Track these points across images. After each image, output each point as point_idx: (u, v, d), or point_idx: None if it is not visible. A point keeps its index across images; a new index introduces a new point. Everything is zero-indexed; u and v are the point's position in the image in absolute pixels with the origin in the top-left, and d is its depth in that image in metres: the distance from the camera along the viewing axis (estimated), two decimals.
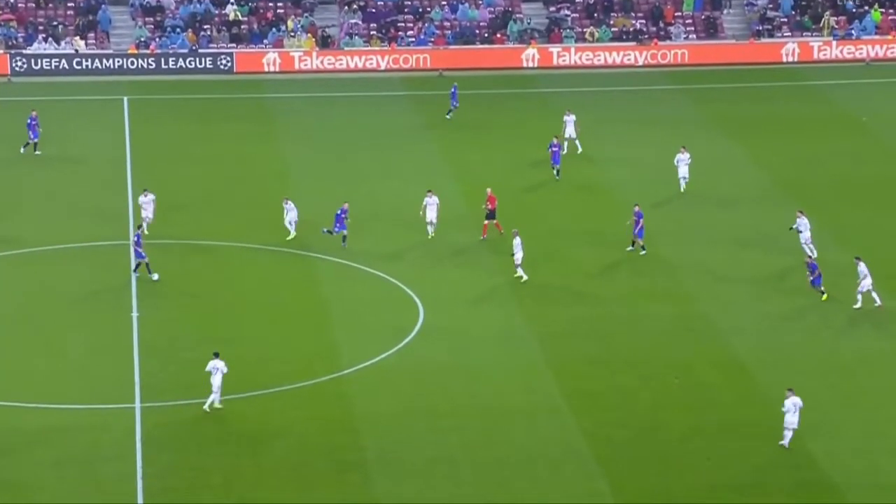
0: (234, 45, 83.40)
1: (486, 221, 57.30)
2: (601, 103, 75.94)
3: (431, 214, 56.53)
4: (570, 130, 66.20)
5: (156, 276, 52.34)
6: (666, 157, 65.92)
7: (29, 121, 66.64)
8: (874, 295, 50.16)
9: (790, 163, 66.63)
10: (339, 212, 55.55)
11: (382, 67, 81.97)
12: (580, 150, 66.57)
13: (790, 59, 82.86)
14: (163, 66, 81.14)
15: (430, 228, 56.67)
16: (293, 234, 56.83)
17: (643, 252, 54.87)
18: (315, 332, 49.26)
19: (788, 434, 41.67)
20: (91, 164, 66.31)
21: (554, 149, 62.02)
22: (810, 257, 51.27)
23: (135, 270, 52.58)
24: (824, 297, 50.75)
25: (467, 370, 46.43)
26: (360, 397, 44.58)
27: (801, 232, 54.33)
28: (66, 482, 40.02)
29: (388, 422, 43.30)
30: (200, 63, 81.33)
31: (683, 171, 60.64)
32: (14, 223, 58.77)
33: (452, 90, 72.82)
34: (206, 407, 43.74)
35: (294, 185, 63.53)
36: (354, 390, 45.04)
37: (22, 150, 66.70)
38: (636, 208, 55.25)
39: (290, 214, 56.96)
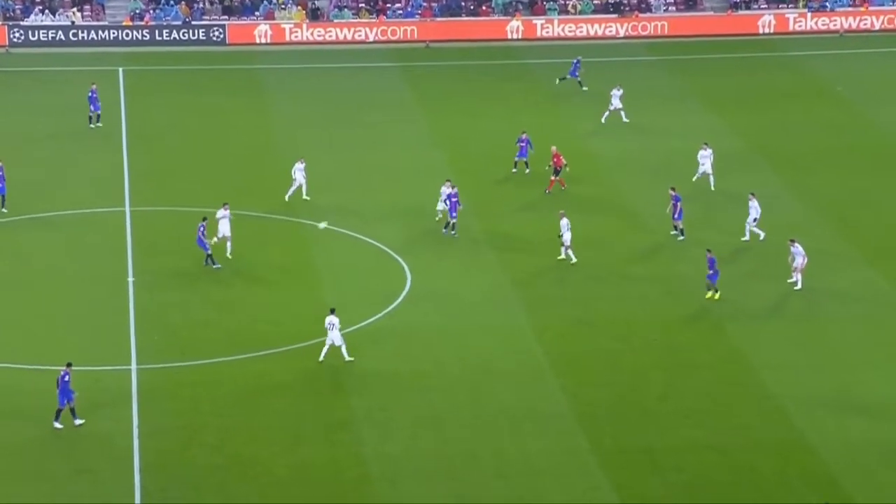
0: (226, 17, 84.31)
1: (553, 177, 58.48)
2: (585, 74, 76.98)
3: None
4: (616, 102, 66.89)
5: (217, 266, 52.21)
6: (646, 126, 67.17)
7: (90, 94, 67.49)
8: (799, 276, 50.41)
9: (766, 132, 67.54)
10: (450, 196, 54.91)
11: (371, 39, 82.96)
12: (625, 119, 67.12)
13: (767, 30, 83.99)
14: (157, 37, 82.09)
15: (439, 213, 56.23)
16: (298, 191, 57.76)
17: (682, 238, 54.34)
18: (306, 297, 50.28)
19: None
20: (87, 133, 67.13)
21: (521, 143, 61.55)
22: (710, 251, 49.65)
23: (206, 263, 52.18)
24: (717, 295, 49.15)
25: (453, 333, 47.59)
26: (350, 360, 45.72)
27: (750, 214, 54.18)
28: (63, 442, 41.03)
29: (377, 382, 44.46)
30: (194, 35, 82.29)
31: (706, 167, 59.23)
32: (12, 190, 59.45)
33: (575, 62, 72.70)
34: (321, 357, 45.01)
35: (285, 153, 64.59)
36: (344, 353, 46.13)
37: (91, 125, 66.91)
38: (672, 192, 54.62)
39: (298, 175, 57.72)
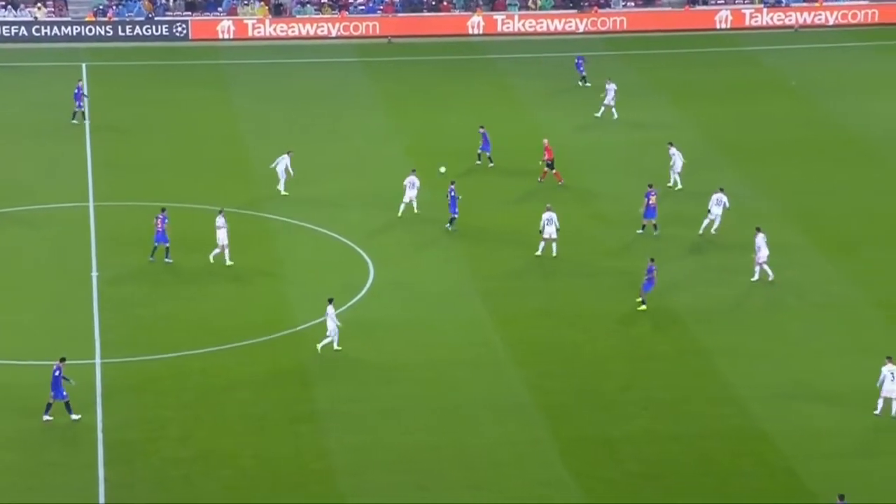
0: (189, 13, 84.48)
1: (546, 169, 59.06)
2: (545, 69, 77.63)
3: (411, 194, 56.36)
4: (609, 98, 67.56)
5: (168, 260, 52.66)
6: (605, 120, 67.74)
7: (76, 90, 67.45)
8: (766, 268, 50.92)
9: (723, 125, 68.24)
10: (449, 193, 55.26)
11: (333, 35, 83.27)
12: (598, 115, 67.85)
13: (723, 25, 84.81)
14: (120, 33, 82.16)
15: (403, 207, 56.62)
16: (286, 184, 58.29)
17: (655, 233, 54.72)
18: (269, 290, 50.64)
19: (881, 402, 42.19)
20: (50, 129, 67.15)
21: (483, 133, 62.28)
22: (652, 260, 49.44)
23: (153, 256, 52.48)
24: (643, 307, 48.77)
25: (416, 325, 48.00)
26: (313, 352, 45.99)
27: (720, 206, 54.57)
28: (27, 435, 41.21)
29: (340, 375, 44.81)
30: (157, 30, 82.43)
31: (677, 165, 59.43)
32: None
33: (578, 61, 73.48)
34: (319, 347, 45.49)
35: (248, 148, 64.93)
36: (308, 345, 46.41)
37: (73, 120, 66.92)
38: (650, 188, 54.86)
39: (280, 165, 58.17)
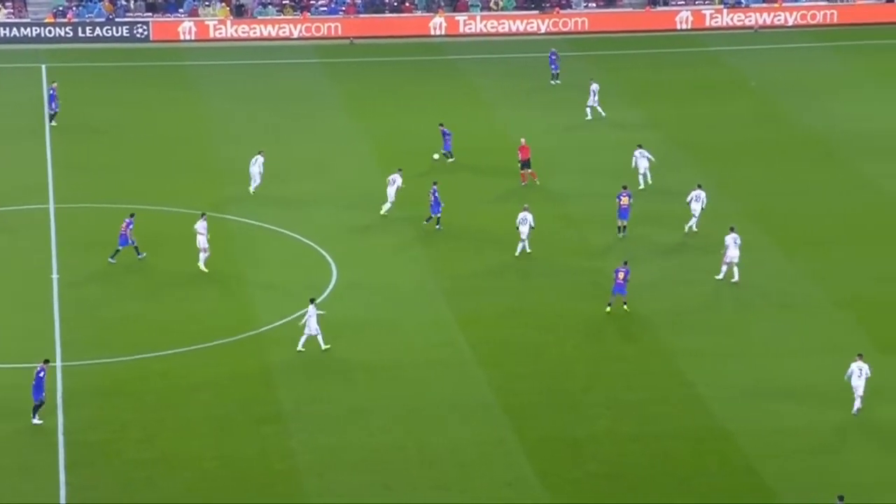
0: (150, 14, 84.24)
1: (521, 171, 59.24)
2: (507, 69, 77.82)
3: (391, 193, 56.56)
4: (593, 99, 67.79)
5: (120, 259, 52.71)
6: (568, 120, 68.01)
7: (50, 92, 67.11)
8: (735, 269, 51.16)
9: (684, 125, 68.54)
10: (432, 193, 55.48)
11: (295, 36, 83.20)
12: (589, 117, 68.00)
13: (684, 26, 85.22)
14: (80, 34, 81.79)
15: (386, 206, 56.86)
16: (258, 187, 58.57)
17: (622, 235, 54.72)
18: (232, 292, 50.59)
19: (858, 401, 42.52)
20: (10, 131, 66.79)
21: (443, 130, 62.53)
22: (626, 263, 49.33)
23: (113, 256, 52.46)
24: (607, 309, 48.71)
25: (380, 326, 48.03)
26: (276, 353, 46.06)
27: (697, 202, 54.99)
28: None
29: (304, 376, 44.83)
30: (117, 32, 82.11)
31: (644, 167, 59.73)
32: None
33: (551, 55, 73.88)
34: (300, 347, 45.42)
35: (210, 149, 64.81)
36: (271, 347, 46.50)
37: (52, 122, 66.66)
38: (624, 190, 54.90)
39: (254, 168, 58.42)
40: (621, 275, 48.52)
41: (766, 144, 66.29)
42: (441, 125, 62.77)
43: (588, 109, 68.16)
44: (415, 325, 48.24)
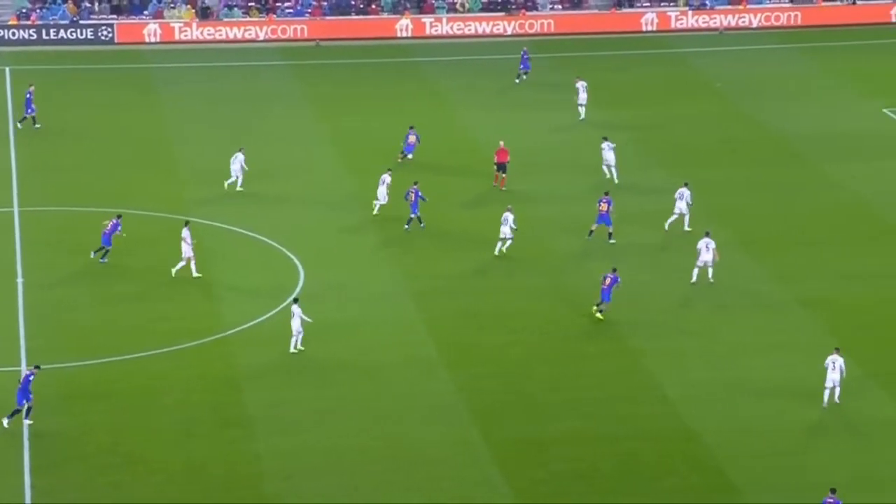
0: (114, 16, 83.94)
1: (496, 172, 59.49)
2: (474, 71, 77.93)
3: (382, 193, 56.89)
4: (582, 97, 68.06)
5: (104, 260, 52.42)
6: (536, 122, 68.14)
7: (27, 95, 66.78)
8: (709, 270, 51.39)
9: (650, 126, 68.73)
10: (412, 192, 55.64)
11: (261, 38, 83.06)
12: (582, 117, 68.24)
13: (649, 28, 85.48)
14: (44, 36, 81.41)
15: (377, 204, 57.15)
16: (234, 184, 58.82)
17: (589, 237, 54.73)
18: (198, 295, 50.45)
19: (826, 392, 43.11)
20: None
21: (409, 137, 62.69)
22: (614, 270, 49.21)
23: (95, 252, 52.33)
24: (599, 314, 48.56)
25: (347, 328, 48.01)
26: (243, 356, 46.03)
27: (681, 199, 55.45)
28: None
29: (271, 379, 44.80)
30: (81, 34, 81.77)
31: (610, 160, 60.39)
32: None
33: (523, 54, 74.39)
34: (292, 349, 45.72)
35: (176, 151, 64.65)
36: (238, 350, 46.45)
37: (19, 125, 66.39)
38: (606, 196, 54.90)
39: (234, 165, 58.66)
40: (607, 280, 48.50)
41: (731, 145, 66.56)
42: (411, 128, 62.68)
43: (581, 108, 68.39)
44: (381, 327, 48.25)
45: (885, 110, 71.27)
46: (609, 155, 60.34)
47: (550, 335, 47.97)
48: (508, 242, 53.44)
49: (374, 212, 56.91)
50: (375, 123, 68.89)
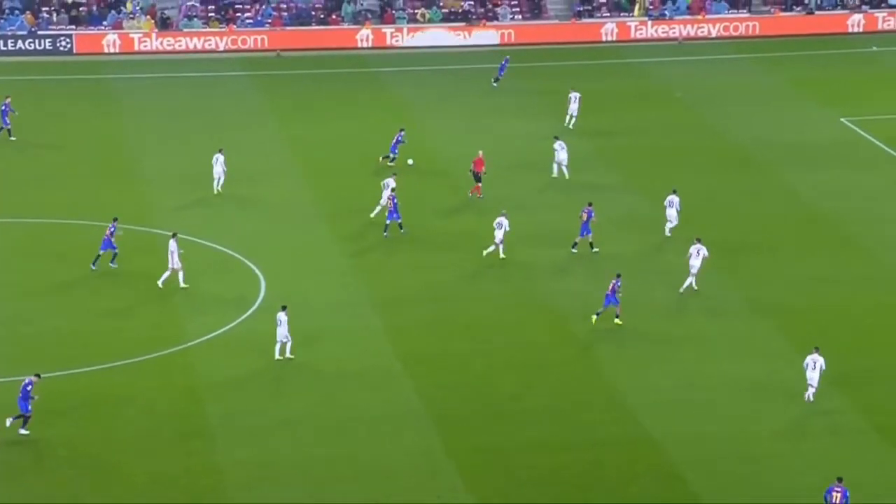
0: (73, 26, 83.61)
1: (477, 182, 59.83)
2: (435, 81, 78.03)
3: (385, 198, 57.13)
4: (573, 107, 68.72)
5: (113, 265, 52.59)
6: (497, 130, 68.29)
7: (3, 107, 66.34)
8: (694, 280, 51.74)
9: (610, 135, 68.78)
10: (390, 196, 55.83)
11: (221, 48, 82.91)
12: (570, 125, 68.73)
13: (609, 38, 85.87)
14: (2, 47, 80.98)
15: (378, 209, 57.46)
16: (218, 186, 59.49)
17: (575, 250, 54.84)
18: (157, 306, 50.25)
19: (810, 390, 43.90)
20: None
21: (398, 140, 63.28)
22: (619, 276, 49.21)
23: (95, 262, 52.35)
24: (617, 320, 48.82)
25: (309, 338, 47.73)
26: (204, 368, 45.86)
27: (671, 206, 56.11)
28: None
29: (232, 390, 44.65)
30: (40, 45, 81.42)
31: (562, 158, 61.68)
32: None
33: (504, 62, 75.30)
34: (277, 356, 45.58)
35: (136, 162, 64.41)
36: (199, 361, 46.30)
37: (12, 137, 66.10)
38: (588, 207, 54.88)
39: (217, 167, 59.19)
40: (611, 286, 48.71)
41: (689, 154, 66.84)
42: (402, 130, 63.19)
43: (572, 118, 68.91)
44: (343, 337, 48.14)
45: (842, 119, 71.81)
46: (562, 154, 61.59)
47: (514, 344, 48.02)
48: (500, 247, 53.73)
49: (371, 215, 57.01)
50: (336, 134, 68.86)
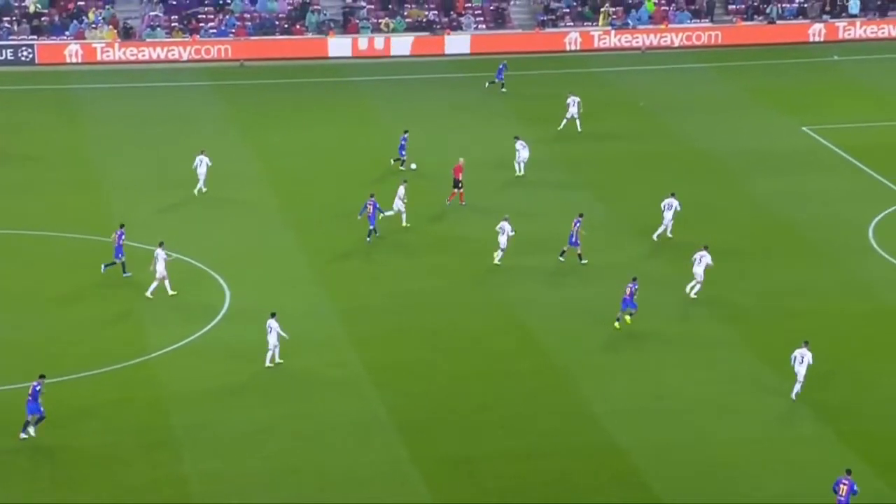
0: (34, 36, 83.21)
1: (454, 189, 59.97)
2: (400, 91, 78.10)
3: (399, 204, 57.50)
4: (572, 111, 69.47)
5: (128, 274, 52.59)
6: (455, 140, 68.44)
7: None
8: (689, 289, 51.95)
9: (573, 144, 68.88)
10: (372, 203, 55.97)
11: (185, 58, 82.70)
12: (580, 129, 69.48)
13: (573, 47, 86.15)
14: None
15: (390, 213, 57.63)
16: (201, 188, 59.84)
17: (562, 259, 54.93)
18: (121, 317, 50.05)
19: (797, 386, 44.54)
20: None
21: (403, 142, 63.86)
22: (635, 279, 49.75)
23: (107, 267, 52.46)
24: (617, 325, 49.33)
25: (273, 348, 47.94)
26: (168, 379, 45.66)
27: (669, 210, 56.62)
28: None
29: (197, 401, 44.50)
30: (1, 55, 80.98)
31: (522, 156, 63.54)
32: None
33: (500, 67, 76.20)
34: (268, 363, 45.68)
35: (98, 172, 64.15)
36: (163, 372, 46.09)
37: None
38: (580, 218, 55.09)
39: (201, 168, 59.56)
40: (628, 290, 49.05)
41: (653, 162, 67.02)
42: (406, 132, 63.95)
43: (565, 120, 69.49)
44: (307, 346, 48.00)
45: (803, 128, 72.24)
46: (524, 153, 63.14)
47: (480, 352, 48.03)
48: (501, 253, 54.02)
49: (403, 222, 57.31)
50: (300, 143, 68.79)
